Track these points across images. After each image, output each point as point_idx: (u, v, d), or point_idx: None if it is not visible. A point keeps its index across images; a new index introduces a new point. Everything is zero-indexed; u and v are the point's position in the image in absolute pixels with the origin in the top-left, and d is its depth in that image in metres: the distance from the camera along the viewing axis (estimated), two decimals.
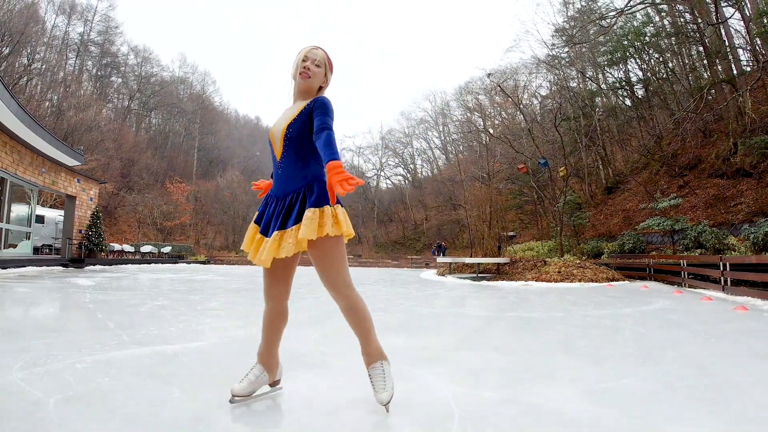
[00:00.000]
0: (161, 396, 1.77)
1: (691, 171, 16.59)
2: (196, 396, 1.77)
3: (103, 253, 16.84)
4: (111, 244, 20.19)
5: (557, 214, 15.72)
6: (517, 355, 2.82)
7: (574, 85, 25.52)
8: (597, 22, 19.44)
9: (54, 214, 19.10)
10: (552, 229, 18.97)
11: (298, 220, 1.54)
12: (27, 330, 3.22)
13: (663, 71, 22.07)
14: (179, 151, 47.59)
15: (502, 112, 31.82)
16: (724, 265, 7.14)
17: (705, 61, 18.91)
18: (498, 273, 12.16)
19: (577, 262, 11.43)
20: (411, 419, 1.57)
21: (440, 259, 16.37)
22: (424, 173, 49.60)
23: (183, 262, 23.18)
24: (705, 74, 19.39)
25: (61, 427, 1.43)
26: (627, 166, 22.58)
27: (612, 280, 10.23)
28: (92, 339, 2.85)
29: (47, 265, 12.28)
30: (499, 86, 22.34)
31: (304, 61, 1.68)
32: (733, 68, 17.04)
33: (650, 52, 21.87)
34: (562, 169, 17.45)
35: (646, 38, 20.67)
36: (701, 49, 18.71)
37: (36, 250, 16.49)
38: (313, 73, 1.67)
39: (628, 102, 24.43)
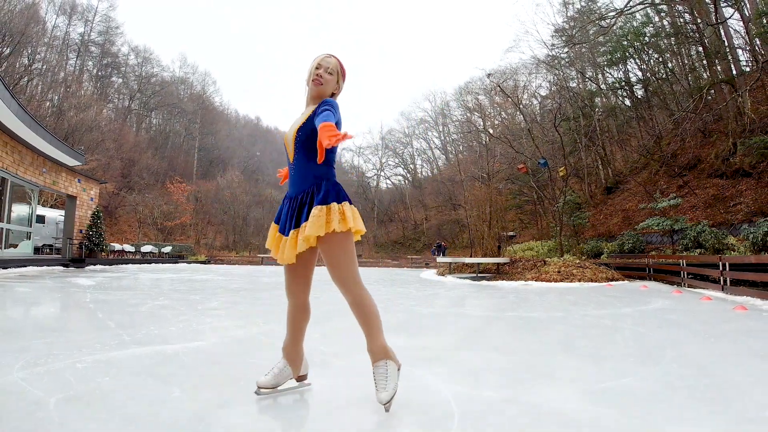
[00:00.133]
0: (161, 396, 1.77)
1: (690, 171, 16.60)
2: (196, 396, 1.78)
3: (103, 253, 16.85)
4: (111, 244, 20.19)
5: (557, 214, 15.73)
6: (517, 355, 2.82)
7: (574, 85, 25.55)
8: (596, 22, 19.45)
9: (54, 214, 19.10)
10: (552, 229, 18.97)
11: (309, 217, 1.62)
12: (27, 330, 3.22)
13: (662, 71, 22.08)
14: (179, 151, 47.59)
15: (502, 113, 31.82)
16: (724, 265, 7.14)
17: (704, 62, 18.91)
18: (498, 273, 12.17)
19: (577, 262, 11.43)
20: (411, 419, 1.57)
21: (440, 259, 16.37)
22: (424, 173, 49.66)
23: (183, 262, 23.17)
24: (704, 74, 19.39)
25: (62, 426, 1.43)
26: (626, 166, 22.58)
27: (611, 280, 10.23)
28: (93, 339, 2.86)
29: (48, 265, 12.28)
30: (499, 86, 22.34)
31: (317, 68, 1.76)
32: (733, 68, 17.04)
33: (650, 52, 21.87)
34: (561, 169, 17.45)
35: (646, 38, 20.67)
36: (701, 49, 18.72)
37: (37, 250, 16.50)
38: (325, 80, 1.75)
39: (627, 102, 24.45)
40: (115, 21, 44.01)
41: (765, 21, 14.00)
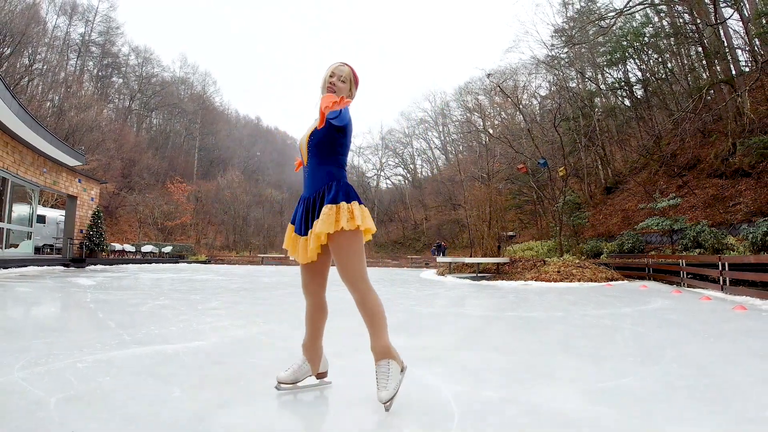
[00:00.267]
0: (162, 395, 1.77)
1: (689, 171, 16.60)
2: (197, 396, 1.78)
3: (104, 253, 16.85)
4: (112, 243, 20.20)
5: (556, 214, 15.72)
6: (517, 355, 2.82)
7: (574, 85, 25.54)
8: (596, 22, 19.44)
9: (55, 214, 19.10)
10: (551, 229, 18.96)
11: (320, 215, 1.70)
12: (28, 329, 3.23)
13: (662, 72, 22.08)
14: (180, 151, 47.60)
15: (502, 113, 31.82)
16: (723, 265, 7.14)
17: (704, 62, 18.91)
18: (497, 273, 12.17)
19: (577, 261, 11.43)
20: (411, 419, 1.57)
21: (440, 259, 16.37)
22: (424, 173, 49.67)
23: (184, 262, 23.17)
24: (704, 75, 19.39)
25: (62, 426, 1.43)
26: (626, 166, 22.58)
27: (611, 280, 10.23)
28: (93, 338, 2.86)
29: (48, 265, 12.28)
30: (499, 86, 22.34)
31: (330, 77, 1.85)
32: (732, 69, 17.05)
33: (649, 52, 21.87)
34: (561, 169, 17.44)
35: (645, 39, 20.68)
36: (700, 49, 18.72)
37: (37, 249, 16.50)
38: (338, 88, 1.84)
39: (627, 102, 24.45)
40: (115, 21, 44.09)
41: (764, 21, 14.01)
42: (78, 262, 13.85)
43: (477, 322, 4.28)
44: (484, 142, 30.95)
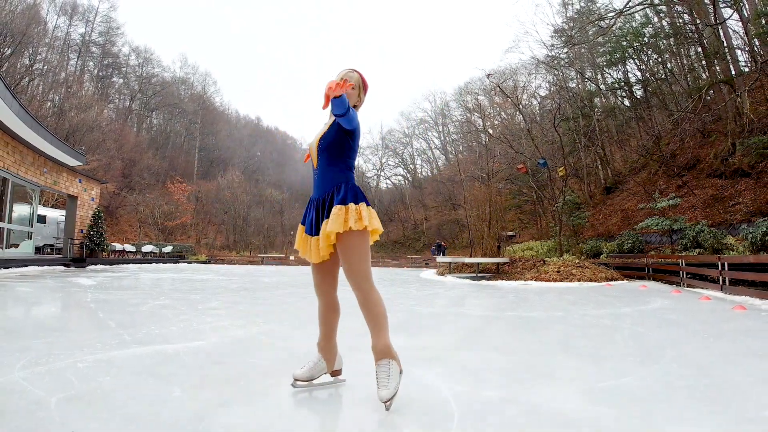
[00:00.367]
0: (162, 395, 1.78)
1: (689, 171, 16.60)
2: (197, 395, 1.78)
3: (104, 253, 16.85)
4: (112, 243, 20.19)
5: (556, 214, 15.72)
6: (517, 354, 2.82)
7: (573, 85, 25.54)
8: (596, 22, 19.44)
9: (55, 214, 19.10)
10: (551, 228, 18.97)
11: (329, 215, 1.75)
12: (28, 329, 3.23)
13: (662, 72, 22.08)
14: (180, 152, 47.60)
15: (502, 113, 31.82)
16: (723, 265, 7.15)
17: (703, 62, 18.91)
18: (497, 272, 12.17)
19: (576, 261, 11.43)
20: (411, 419, 1.57)
21: (440, 259, 16.38)
22: (423, 173, 49.67)
23: (184, 262, 23.17)
24: (703, 75, 19.40)
25: (63, 426, 1.44)
26: (626, 166, 22.58)
27: (611, 280, 10.23)
28: (93, 338, 2.86)
29: (49, 265, 12.28)
30: (499, 87, 22.32)
31: None
32: (732, 69, 17.05)
33: (649, 52, 21.88)
34: (561, 169, 17.44)
35: (645, 39, 20.68)
36: (700, 49, 18.72)
37: (38, 249, 16.48)
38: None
39: (626, 102, 24.45)
40: (115, 21, 44.09)
41: (764, 21, 14.01)
42: (78, 262, 13.85)
43: (477, 322, 4.28)
44: (483, 142, 30.95)
